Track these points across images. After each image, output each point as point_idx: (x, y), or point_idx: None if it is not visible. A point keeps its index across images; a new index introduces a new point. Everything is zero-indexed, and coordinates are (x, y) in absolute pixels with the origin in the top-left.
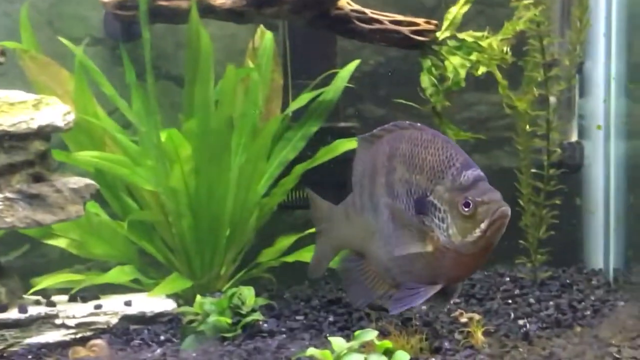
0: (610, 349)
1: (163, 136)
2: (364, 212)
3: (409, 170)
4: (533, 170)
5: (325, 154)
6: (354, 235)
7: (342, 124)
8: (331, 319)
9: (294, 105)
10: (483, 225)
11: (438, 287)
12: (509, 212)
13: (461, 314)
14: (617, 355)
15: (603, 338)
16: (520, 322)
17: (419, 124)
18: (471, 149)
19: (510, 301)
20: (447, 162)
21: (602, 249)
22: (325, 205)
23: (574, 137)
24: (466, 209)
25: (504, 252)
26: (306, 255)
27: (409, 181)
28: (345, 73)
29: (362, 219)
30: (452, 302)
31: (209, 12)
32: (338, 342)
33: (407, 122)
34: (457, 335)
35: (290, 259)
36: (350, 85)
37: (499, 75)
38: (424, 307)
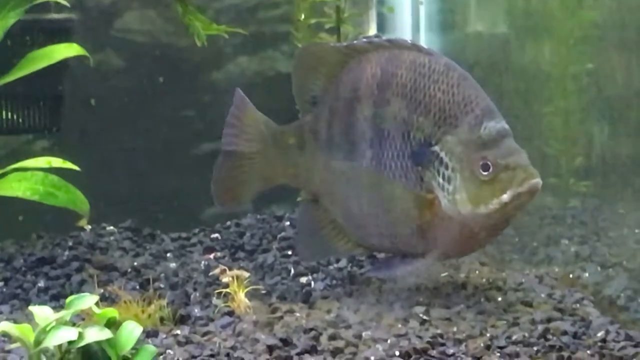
0: (415, 308)
1: None
2: (331, 147)
3: (409, 107)
4: None
5: (33, 62)
6: (309, 173)
7: (54, 16)
8: (42, 284)
9: None
10: (505, 197)
11: (428, 262)
12: (540, 185)
13: (223, 272)
14: (425, 317)
15: (408, 295)
16: (303, 279)
17: (425, 47)
18: (235, 50)
19: (290, 253)
20: (464, 105)
21: None
22: (261, 120)
23: (372, 30)
24: (484, 173)
25: (282, 186)
26: (9, 187)
27: (408, 121)
28: None
29: (326, 154)
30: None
31: None
32: (42, 312)
33: (409, 40)
34: (215, 300)
35: None
36: None
37: None
38: (172, 265)
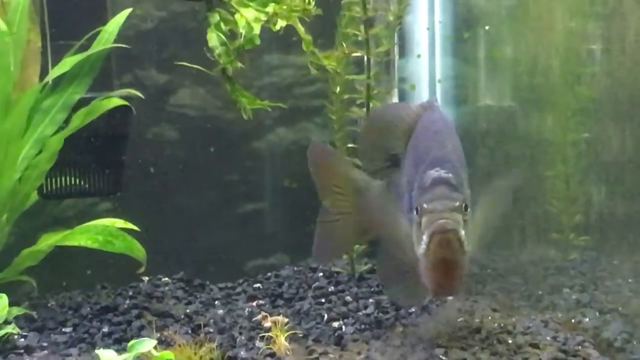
0: (436, 350)
1: None
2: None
3: (413, 159)
4: (350, 145)
5: (81, 119)
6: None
7: (116, 93)
8: (106, 329)
9: (56, 71)
10: (425, 238)
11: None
12: (450, 227)
13: (265, 318)
14: (444, 357)
15: (428, 338)
16: (335, 324)
17: (430, 103)
18: (273, 122)
19: (323, 300)
20: (426, 154)
21: None
22: (360, 175)
23: None
24: (417, 216)
25: None
26: (73, 238)
27: (410, 171)
28: (112, 27)
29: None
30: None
31: None
32: (107, 355)
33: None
34: (258, 343)
35: (43, 244)
36: (125, 45)
37: (301, 29)
38: (220, 312)
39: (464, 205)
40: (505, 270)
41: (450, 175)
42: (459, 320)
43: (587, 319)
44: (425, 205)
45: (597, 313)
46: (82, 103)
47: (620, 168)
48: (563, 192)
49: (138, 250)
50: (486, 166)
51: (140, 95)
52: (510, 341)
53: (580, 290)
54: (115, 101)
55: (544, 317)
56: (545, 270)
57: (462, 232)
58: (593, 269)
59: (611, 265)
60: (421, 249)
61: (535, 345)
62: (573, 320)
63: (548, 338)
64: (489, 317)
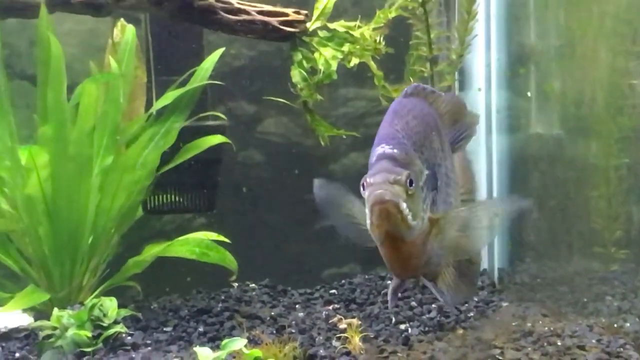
0: (493, 351)
1: (23, 154)
2: None
3: None
4: None
5: (188, 152)
6: None
7: (211, 122)
8: (201, 329)
9: (159, 103)
10: (368, 211)
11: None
12: (387, 197)
13: (340, 320)
14: (500, 357)
15: (486, 340)
16: (402, 326)
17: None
18: (347, 148)
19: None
20: (377, 135)
21: (486, 249)
22: None
23: None
24: (362, 191)
25: None
26: (173, 249)
27: None
28: (208, 64)
29: None
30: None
31: (63, 5)
32: (204, 352)
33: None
34: (334, 342)
35: (147, 254)
36: (218, 82)
37: (373, 66)
38: (301, 314)
39: (408, 180)
40: (554, 280)
41: (395, 151)
42: (513, 324)
43: (628, 324)
44: (367, 180)
45: (637, 319)
46: (182, 131)
47: None
48: (606, 211)
49: (230, 261)
50: (538, 187)
51: (228, 122)
52: (559, 343)
53: (622, 298)
54: (218, 138)
55: (589, 322)
56: (589, 280)
57: (404, 205)
58: (632, 279)
59: None
60: (367, 225)
61: (581, 347)
62: (615, 325)
63: (593, 341)
64: (540, 322)
